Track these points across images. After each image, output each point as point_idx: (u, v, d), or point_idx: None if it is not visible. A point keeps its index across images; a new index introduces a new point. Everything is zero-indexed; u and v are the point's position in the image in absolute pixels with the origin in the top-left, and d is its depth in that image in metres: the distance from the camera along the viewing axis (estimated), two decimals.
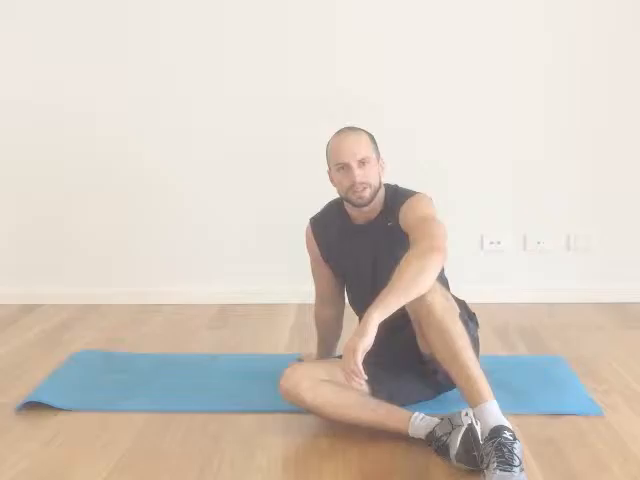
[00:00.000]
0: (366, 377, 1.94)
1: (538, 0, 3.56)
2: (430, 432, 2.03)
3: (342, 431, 2.15)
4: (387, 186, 2.38)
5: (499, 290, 3.65)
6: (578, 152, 3.63)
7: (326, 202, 2.52)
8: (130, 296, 3.79)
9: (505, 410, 1.97)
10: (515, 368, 2.67)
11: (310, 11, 3.60)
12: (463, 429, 1.94)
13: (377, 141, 2.36)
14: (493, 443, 1.85)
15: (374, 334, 1.93)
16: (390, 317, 1.96)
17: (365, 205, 2.30)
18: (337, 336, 2.64)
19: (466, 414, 1.97)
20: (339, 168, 2.29)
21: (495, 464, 1.80)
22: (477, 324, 2.40)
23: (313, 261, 2.55)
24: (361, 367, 1.91)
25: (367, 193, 2.27)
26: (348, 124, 2.37)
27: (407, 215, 2.23)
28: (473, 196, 3.65)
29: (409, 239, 2.14)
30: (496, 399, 1.97)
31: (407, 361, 2.29)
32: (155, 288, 3.80)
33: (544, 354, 2.92)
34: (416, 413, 2.10)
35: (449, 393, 2.32)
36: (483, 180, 3.65)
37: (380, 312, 1.94)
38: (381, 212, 2.34)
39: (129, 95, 3.71)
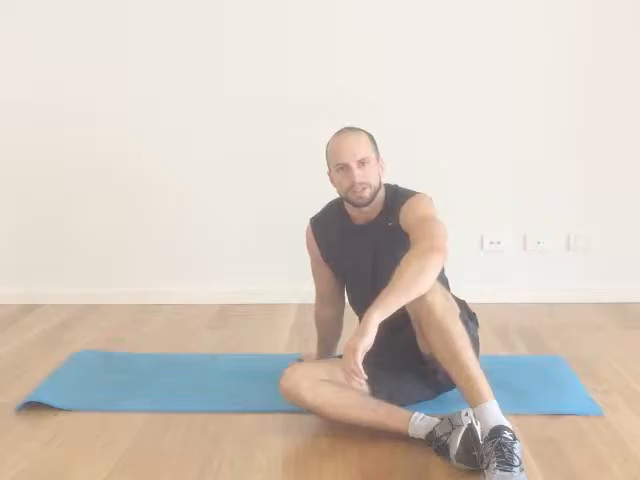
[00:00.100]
0: (366, 377, 1.94)
1: (538, 0, 3.56)
2: (430, 432, 2.04)
3: (342, 431, 2.15)
4: (387, 186, 2.38)
5: (499, 290, 3.65)
6: (578, 152, 3.63)
7: (326, 202, 2.52)
8: (130, 296, 3.79)
9: (505, 410, 1.97)
10: (515, 368, 2.67)
11: (310, 11, 3.60)
12: (463, 429, 1.94)
13: (377, 141, 2.36)
14: (493, 443, 1.85)
15: (374, 334, 1.93)
16: (390, 317, 1.96)
17: (365, 205, 2.30)
18: (337, 336, 2.64)
19: (466, 414, 1.97)
20: (339, 168, 2.29)
21: (495, 464, 1.80)
22: (477, 324, 2.40)
23: (313, 261, 2.55)
24: (361, 367, 1.91)
25: (367, 193, 2.27)
26: (348, 124, 2.37)
27: (407, 215, 2.24)
28: (473, 196, 3.65)
29: (409, 239, 2.14)
30: (496, 399, 1.97)
31: (407, 361, 2.29)
32: (155, 288, 3.80)
33: (544, 354, 2.92)
34: (416, 413, 2.10)
35: (449, 393, 2.31)
36: (483, 180, 3.65)
37: (380, 312, 1.94)
38: (381, 212, 2.34)
39: (129, 95, 3.71)
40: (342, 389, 2.13)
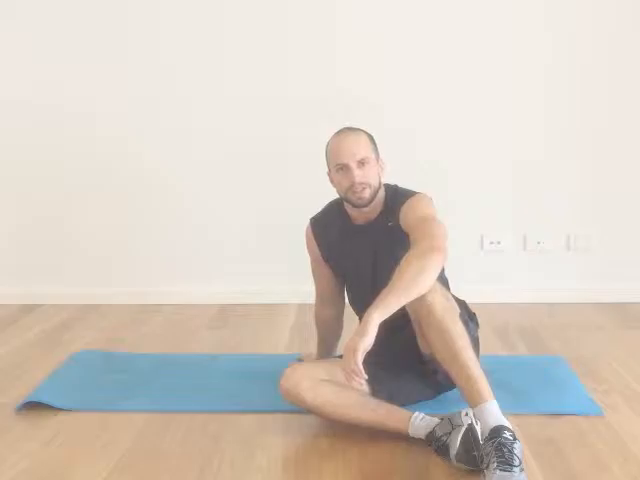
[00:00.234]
0: (366, 377, 1.94)
1: (538, 0, 3.56)
2: (430, 432, 2.04)
3: (342, 431, 2.15)
4: (387, 186, 2.38)
5: (499, 290, 3.65)
6: (578, 152, 3.63)
7: (326, 202, 2.52)
8: (130, 296, 3.79)
9: (505, 410, 1.97)
10: (515, 368, 2.67)
11: (310, 11, 3.60)
12: (463, 429, 1.94)
13: (377, 141, 2.36)
14: (493, 443, 1.85)
15: (374, 334, 1.93)
16: (390, 317, 1.96)
17: (365, 205, 2.30)
18: (337, 336, 2.64)
19: (466, 414, 1.97)
20: (338, 169, 2.29)
21: (495, 464, 1.80)
22: (477, 324, 2.40)
23: (313, 261, 2.55)
24: (361, 367, 1.91)
25: (367, 193, 2.27)
26: (348, 124, 2.37)
27: (407, 215, 2.24)
28: (473, 196, 3.65)
29: (409, 239, 2.14)
30: (496, 399, 1.97)
31: (407, 361, 2.29)
32: (155, 288, 3.80)
33: (544, 354, 2.92)
34: (416, 413, 2.10)
35: (449, 393, 2.31)
36: (483, 180, 3.65)
37: (380, 312, 1.94)
38: (381, 212, 2.34)
39: (129, 95, 3.71)
40: (342, 389, 2.13)
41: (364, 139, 2.31)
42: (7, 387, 2.63)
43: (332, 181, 2.35)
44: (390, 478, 1.95)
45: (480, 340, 2.36)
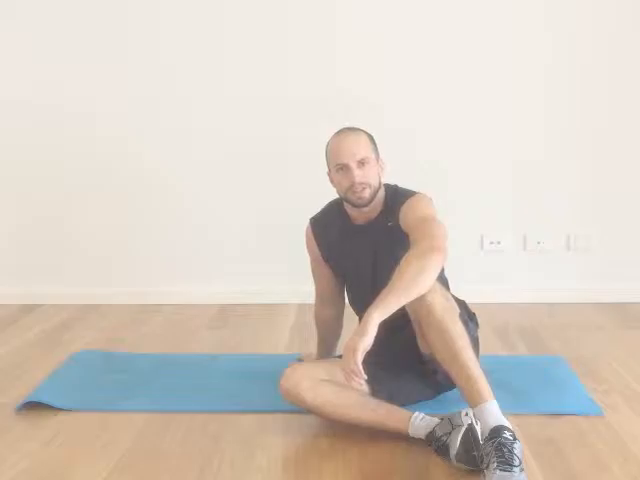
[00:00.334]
0: (366, 377, 1.94)
1: (538, 0, 3.56)
2: (430, 432, 2.04)
3: (342, 431, 2.15)
4: (387, 186, 2.38)
5: (499, 290, 3.65)
6: (578, 152, 3.63)
7: (326, 202, 2.52)
8: (130, 296, 3.79)
9: (505, 410, 1.97)
10: (515, 368, 2.67)
11: (310, 11, 3.60)
12: (463, 429, 1.94)
13: (377, 141, 2.36)
14: (493, 443, 1.85)
15: (374, 334, 1.93)
16: (390, 317, 1.96)
17: (365, 205, 2.30)
18: (337, 336, 2.64)
19: (466, 414, 1.97)
20: (338, 169, 2.29)
21: (495, 464, 1.80)
22: (477, 324, 2.40)
23: (313, 261, 2.55)
24: (361, 367, 1.91)
25: (367, 193, 2.27)
26: (348, 124, 2.37)
27: (407, 215, 2.23)
28: (473, 196, 3.65)
29: (409, 239, 2.14)
30: (496, 399, 1.97)
31: (407, 361, 2.29)
32: (155, 288, 3.80)
33: (544, 354, 2.92)
34: (416, 413, 2.10)
35: (449, 393, 2.31)
36: (483, 180, 3.65)
37: (380, 312, 1.94)
38: (381, 212, 2.34)
39: (129, 95, 3.71)
40: (342, 389, 2.13)
41: (364, 139, 2.31)
42: (7, 387, 2.63)
43: (332, 181, 2.35)
44: (390, 478, 1.95)
45: (480, 340, 2.36)
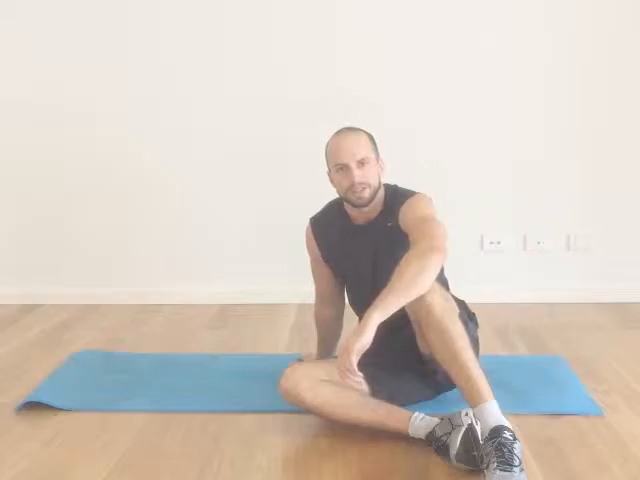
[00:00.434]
0: (361, 375, 1.93)
1: (538, 0, 3.56)
2: (430, 432, 2.04)
3: (342, 431, 2.15)
4: (387, 186, 2.38)
5: (499, 290, 3.65)
6: (578, 152, 3.63)
7: (326, 202, 2.52)
8: (130, 296, 3.79)
9: (505, 410, 1.97)
10: (515, 368, 2.67)
11: (310, 11, 3.59)
12: (463, 429, 1.94)
13: (377, 141, 2.36)
14: (493, 443, 1.85)
15: (372, 334, 1.93)
16: (390, 317, 1.95)
17: (365, 205, 2.30)
18: (337, 336, 2.64)
19: (466, 414, 1.97)
20: (338, 169, 2.28)
21: (495, 464, 1.80)
22: (477, 324, 2.40)
23: (313, 261, 2.55)
24: (355, 366, 1.90)
25: (366, 193, 2.27)
26: (348, 124, 2.37)
27: (407, 215, 2.23)
28: (473, 196, 3.65)
29: (409, 239, 2.14)
30: (496, 399, 1.97)
31: (407, 361, 2.29)
32: (155, 288, 3.80)
33: (544, 354, 2.92)
34: (416, 413, 2.10)
35: (449, 393, 2.31)
36: (483, 180, 3.65)
37: (380, 313, 1.94)
38: (381, 212, 2.34)
39: (129, 95, 3.71)
40: (342, 389, 2.12)
41: (364, 139, 2.31)
42: (7, 387, 2.63)
43: (332, 181, 2.35)
44: (390, 478, 1.95)
45: (480, 340, 2.36)
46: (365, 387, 2.16)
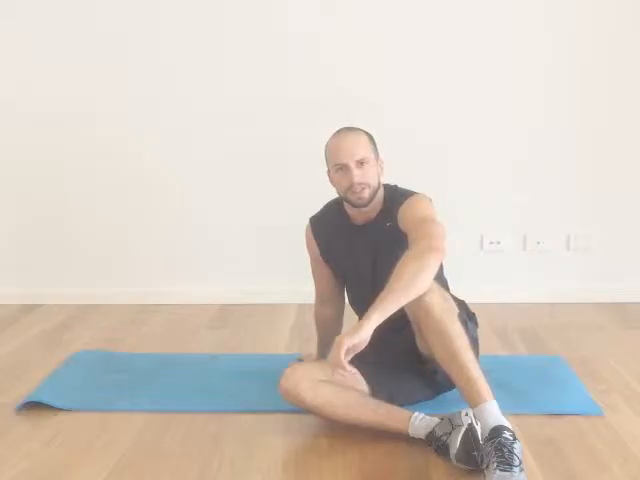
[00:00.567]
0: (353, 370, 1.92)
1: (538, 0, 3.56)
2: (430, 432, 2.04)
3: (342, 431, 2.16)
4: (386, 186, 2.38)
5: (499, 290, 3.65)
6: (578, 152, 3.63)
7: (326, 202, 2.52)
8: (130, 296, 3.79)
9: (505, 410, 1.97)
10: (515, 368, 2.67)
11: (310, 11, 3.59)
12: (463, 429, 1.94)
13: (377, 141, 2.36)
14: (493, 443, 1.85)
15: (368, 334, 1.92)
16: (390, 317, 1.95)
17: (364, 205, 2.30)
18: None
19: (466, 414, 1.97)
20: (338, 169, 2.29)
21: (495, 464, 1.81)
22: (476, 324, 2.40)
23: (313, 261, 2.55)
24: (343, 360, 1.89)
25: (366, 193, 2.27)
26: (348, 124, 2.37)
27: (406, 215, 2.24)
28: (473, 196, 3.64)
29: (408, 239, 2.14)
30: (496, 399, 1.97)
31: (407, 361, 2.29)
32: (155, 288, 3.80)
33: (544, 354, 2.92)
34: (416, 413, 2.10)
35: (449, 393, 2.31)
36: (483, 180, 3.65)
37: (379, 314, 1.93)
38: (380, 212, 2.34)
39: (129, 95, 3.70)
40: (342, 389, 2.13)
41: (363, 139, 2.31)
42: (7, 387, 2.63)
43: (331, 181, 2.35)
44: (390, 478, 1.95)
45: (480, 340, 2.36)
46: (365, 387, 2.17)
